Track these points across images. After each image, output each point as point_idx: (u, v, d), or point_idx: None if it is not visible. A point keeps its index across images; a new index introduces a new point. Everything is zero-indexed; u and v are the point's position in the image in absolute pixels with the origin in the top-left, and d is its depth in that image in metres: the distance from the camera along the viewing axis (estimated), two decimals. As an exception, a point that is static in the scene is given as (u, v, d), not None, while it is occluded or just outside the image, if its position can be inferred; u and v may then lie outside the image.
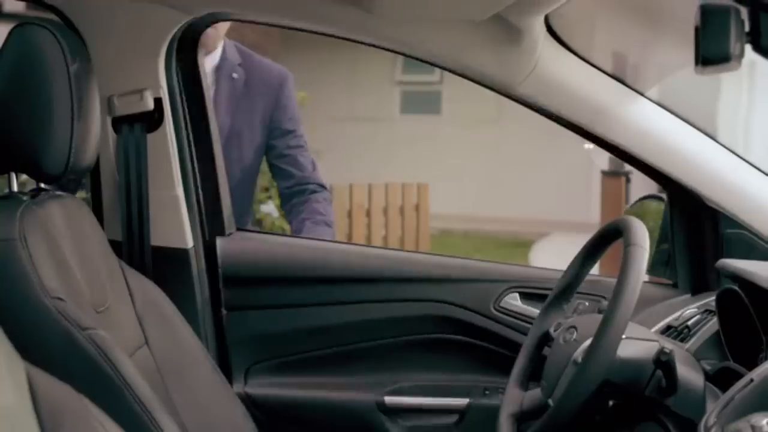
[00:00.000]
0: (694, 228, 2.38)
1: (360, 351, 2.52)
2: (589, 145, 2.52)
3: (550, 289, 2.07)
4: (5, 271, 1.69)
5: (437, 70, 8.81)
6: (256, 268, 2.55)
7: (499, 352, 2.43)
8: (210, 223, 2.51)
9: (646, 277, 1.88)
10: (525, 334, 2.20)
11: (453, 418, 2.45)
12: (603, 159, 9.62)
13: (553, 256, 10.59)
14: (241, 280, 2.51)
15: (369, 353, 2.52)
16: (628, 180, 9.33)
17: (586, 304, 1.98)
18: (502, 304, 2.50)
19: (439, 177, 9.99)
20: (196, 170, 2.50)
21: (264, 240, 2.78)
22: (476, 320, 2.50)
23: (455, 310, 2.51)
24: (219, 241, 2.50)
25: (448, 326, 2.51)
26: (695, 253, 2.38)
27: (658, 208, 2.63)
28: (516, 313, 2.48)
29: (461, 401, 2.43)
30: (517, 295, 2.51)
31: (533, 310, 2.43)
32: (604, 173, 9.63)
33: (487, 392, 2.08)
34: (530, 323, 2.30)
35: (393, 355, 2.52)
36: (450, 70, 2.29)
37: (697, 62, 1.47)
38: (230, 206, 2.57)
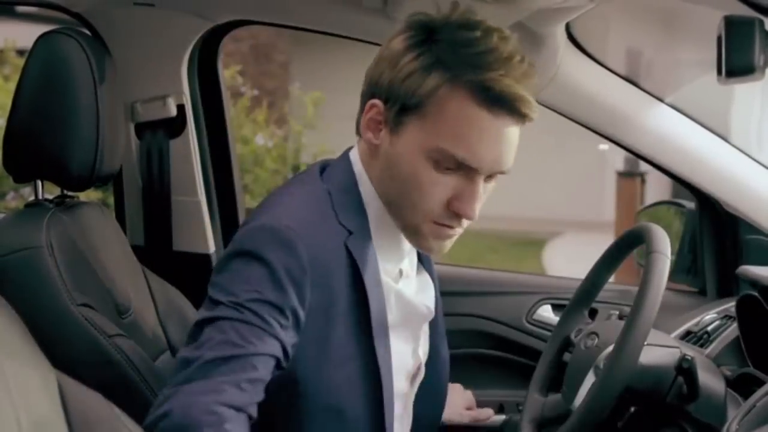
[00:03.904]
0: (719, 234, 2.39)
1: None
2: (605, 146, 2.52)
3: None
4: (33, 278, 1.70)
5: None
6: None
7: (533, 366, 2.25)
8: (230, 228, 2.52)
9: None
10: None
11: None
12: (618, 159, 9.60)
13: (567, 256, 10.58)
14: None
15: None
16: (643, 181, 9.32)
17: (616, 313, 1.97)
18: (534, 317, 2.49)
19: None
20: (213, 176, 2.52)
21: None
22: (510, 334, 2.49)
23: (488, 324, 2.51)
24: None
25: (481, 341, 2.49)
26: (721, 260, 2.39)
27: (668, 213, 2.63)
28: (549, 324, 2.44)
29: (497, 418, 2.34)
30: (549, 306, 2.50)
31: None
32: (619, 173, 9.62)
33: (521, 408, 2.03)
34: None
35: None
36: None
37: (720, 73, 1.48)
38: (246, 212, 2.57)
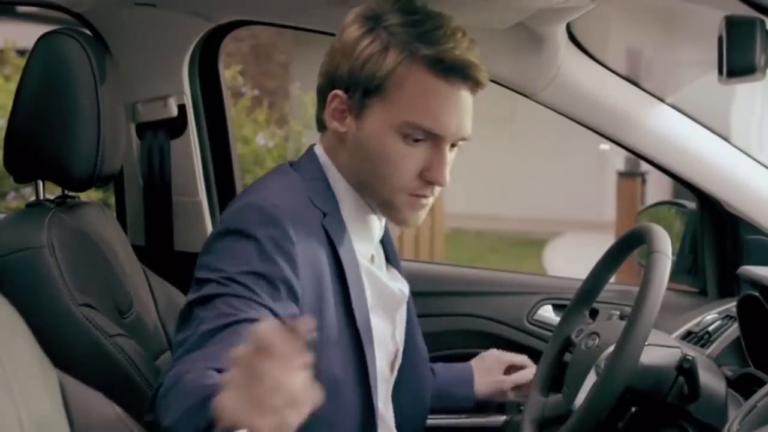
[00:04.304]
0: (720, 234, 2.39)
1: None
2: (605, 146, 2.52)
3: None
4: (34, 278, 1.70)
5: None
6: None
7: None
8: None
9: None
10: None
11: None
12: (619, 159, 9.60)
13: (567, 256, 10.58)
14: None
15: None
16: (644, 181, 9.32)
17: (617, 313, 1.97)
18: (535, 317, 2.48)
19: (452, 176, 9.95)
20: (214, 176, 2.52)
21: None
22: (511, 334, 2.47)
23: (488, 324, 2.50)
24: None
25: (482, 341, 2.47)
26: (722, 260, 2.39)
27: (669, 213, 2.63)
28: (550, 325, 2.43)
29: (497, 418, 2.35)
30: (549, 306, 2.49)
31: None
32: (620, 173, 9.61)
33: (522, 408, 2.01)
34: None
35: None
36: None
37: (721, 73, 1.48)
38: None
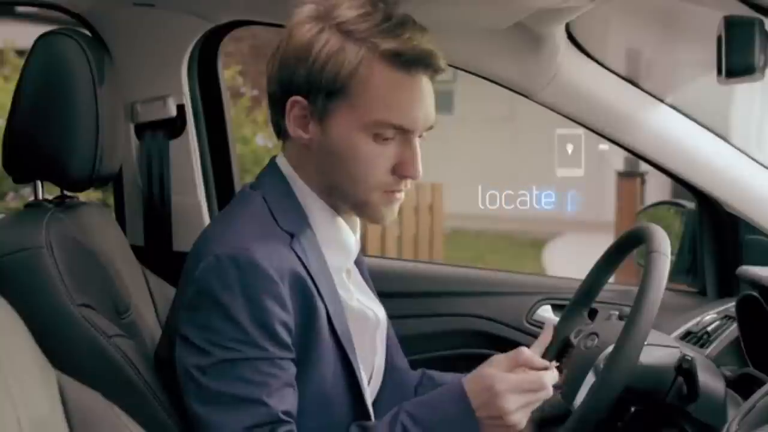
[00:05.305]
0: (719, 235, 2.38)
1: None
2: (604, 146, 2.52)
3: None
4: (33, 279, 1.70)
5: (450, 69, 8.79)
6: None
7: None
8: None
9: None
10: None
11: None
12: (618, 159, 9.60)
13: (567, 256, 10.58)
14: None
15: None
16: (643, 181, 9.31)
17: (616, 313, 1.96)
18: (534, 317, 2.48)
19: (451, 176, 9.97)
20: (213, 177, 2.52)
21: None
22: (509, 334, 2.47)
23: (488, 324, 2.49)
24: None
25: (480, 341, 2.47)
26: (721, 260, 2.38)
27: (668, 213, 2.63)
28: None
29: None
30: (548, 307, 2.48)
31: None
32: (620, 174, 9.61)
33: None
34: None
35: None
36: (472, 74, 2.30)
37: (720, 73, 1.48)
38: None
